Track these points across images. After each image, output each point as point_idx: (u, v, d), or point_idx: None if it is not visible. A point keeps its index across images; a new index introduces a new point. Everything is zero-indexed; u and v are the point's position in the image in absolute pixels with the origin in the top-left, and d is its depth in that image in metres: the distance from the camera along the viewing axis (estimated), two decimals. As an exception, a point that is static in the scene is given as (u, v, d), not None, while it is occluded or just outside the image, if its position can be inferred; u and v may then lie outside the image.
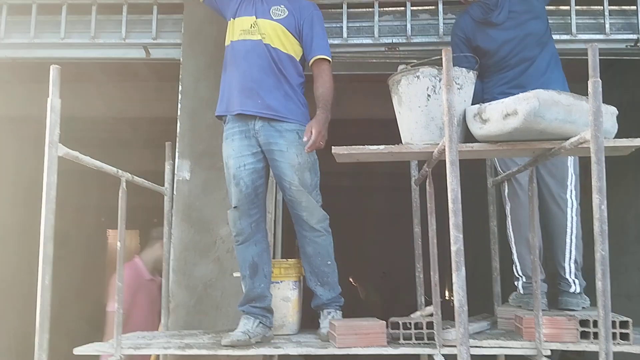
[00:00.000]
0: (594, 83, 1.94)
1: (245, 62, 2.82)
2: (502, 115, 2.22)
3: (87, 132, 7.13)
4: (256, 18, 2.86)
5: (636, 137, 2.29)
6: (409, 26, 3.64)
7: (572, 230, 3.03)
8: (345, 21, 3.67)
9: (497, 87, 3.10)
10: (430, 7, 3.70)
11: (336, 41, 3.66)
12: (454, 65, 3.17)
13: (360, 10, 3.72)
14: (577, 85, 3.02)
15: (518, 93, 2.21)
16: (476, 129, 2.34)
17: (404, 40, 3.64)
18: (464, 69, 2.46)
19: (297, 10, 2.90)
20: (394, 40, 3.65)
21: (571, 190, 3.09)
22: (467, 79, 2.45)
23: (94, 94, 6.20)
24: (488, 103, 2.33)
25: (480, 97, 3.10)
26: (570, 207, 3.06)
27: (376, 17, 3.66)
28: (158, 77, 5.58)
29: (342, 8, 3.69)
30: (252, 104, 2.78)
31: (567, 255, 2.99)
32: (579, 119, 2.20)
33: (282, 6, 2.90)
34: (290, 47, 2.86)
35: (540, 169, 3.13)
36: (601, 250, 1.90)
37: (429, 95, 2.41)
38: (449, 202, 2.00)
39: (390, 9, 3.72)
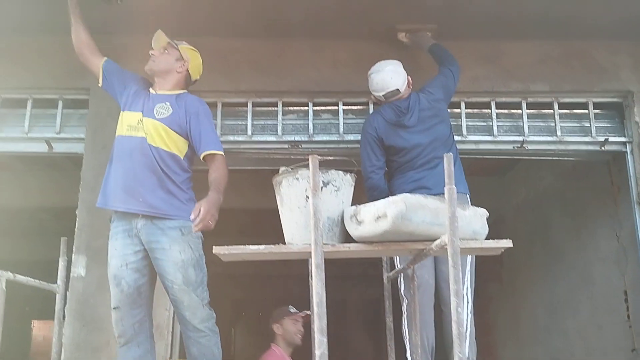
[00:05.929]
0: (449, 190, 2.04)
1: (129, 160, 2.81)
2: (374, 217, 2.29)
3: (8, 222, 6.95)
4: (142, 115, 2.87)
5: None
6: (310, 125, 3.78)
7: (466, 328, 3.04)
8: (250, 119, 3.78)
9: (406, 185, 3.19)
10: (332, 108, 3.86)
11: (241, 138, 3.76)
12: (363, 162, 3.30)
13: (264, 109, 3.85)
14: (473, 178, 3.18)
15: (424, 194, 2.28)
16: (352, 229, 2.40)
17: (306, 138, 3.76)
18: (340, 172, 2.52)
19: (183, 107, 2.88)
20: (297, 138, 3.77)
21: (467, 288, 3.14)
22: (344, 181, 2.52)
23: (12, 184, 6.09)
24: (363, 205, 2.40)
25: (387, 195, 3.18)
26: (465, 304, 3.10)
27: (279, 116, 3.79)
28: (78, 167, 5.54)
29: (247, 106, 3.81)
30: (135, 203, 2.77)
31: None
32: (446, 221, 2.28)
33: (167, 104, 2.88)
34: (174, 145, 2.84)
35: (442, 264, 3.19)
36: (459, 353, 1.93)
37: (307, 197, 2.45)
38: (313, 305, 2.01)
39: (293, 108, 3.86)
